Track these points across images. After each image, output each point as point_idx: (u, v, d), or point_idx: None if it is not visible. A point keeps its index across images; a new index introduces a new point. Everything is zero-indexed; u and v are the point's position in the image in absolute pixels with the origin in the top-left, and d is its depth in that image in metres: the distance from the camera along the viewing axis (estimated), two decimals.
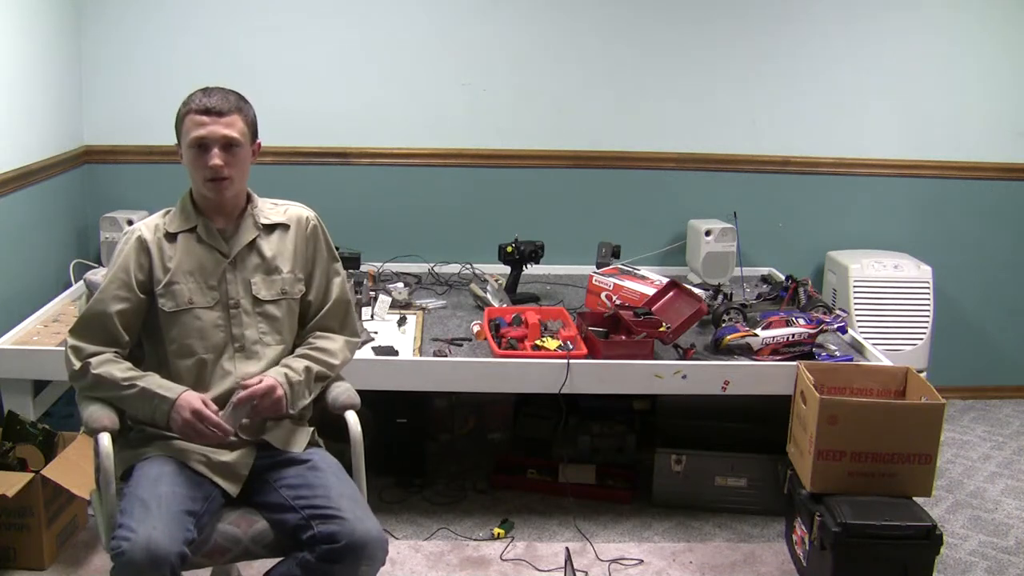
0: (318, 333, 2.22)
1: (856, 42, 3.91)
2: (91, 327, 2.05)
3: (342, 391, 2.19)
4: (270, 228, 2.18)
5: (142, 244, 2.09)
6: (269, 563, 2.07)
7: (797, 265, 3.97)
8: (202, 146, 2.04)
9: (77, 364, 2.01)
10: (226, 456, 2.06)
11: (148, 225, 2.12)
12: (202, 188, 2.09)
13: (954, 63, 3.95)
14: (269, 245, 2.16)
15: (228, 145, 2.05)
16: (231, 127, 2.06)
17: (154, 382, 2.02)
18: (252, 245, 2.15)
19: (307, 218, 2.23)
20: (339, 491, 2.01)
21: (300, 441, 2.14)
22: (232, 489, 2.05)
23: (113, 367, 2.02)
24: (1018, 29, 3.94)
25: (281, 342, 2.17)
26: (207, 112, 2.04)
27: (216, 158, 2.03)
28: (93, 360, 2.01)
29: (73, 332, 2.05)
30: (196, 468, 2.02)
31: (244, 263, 2.14)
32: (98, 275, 2.15)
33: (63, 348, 2.06)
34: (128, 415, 2.09)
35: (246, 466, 2.07)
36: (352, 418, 2.14)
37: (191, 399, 2.00)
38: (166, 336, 2.08)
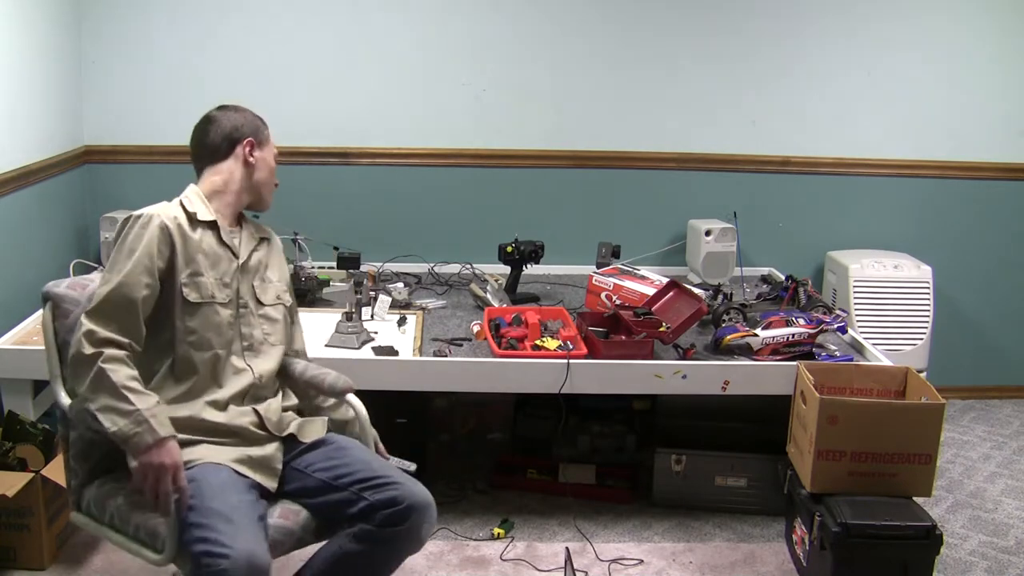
0: (312, 366, 2.33)
1: (856, 42, 3.91)
2: (114, 312, 1.94)
3: (334, 378, 2.27)
4: (261, 240, 2.28)
5: (165, 232, 2.03)
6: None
7: (797, 265, 3.97)
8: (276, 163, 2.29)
9: (89, 350, 1.89)
10: (259, 452, 2.08)
11: (165, 215, 2.05)
12: (270, 192, 2.28)
13: (954, 63, 3.96)
14: (263, 255, 2.26)
15: None
16: None
17: (154, 409, 1.89)
18: (254, 252, 2.23)
19: (277, 238, 2.36)
20: (377, 462, 2.11)
21: (320, 431, 2.22)
22: (272, 484, 2.07)
23: (122, 368, 1.90)
24: (1018, 29, 3.94)
25: (281, 342, 2.25)
26: None
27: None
28: (106, 351, 1.89)
29: (91, 315, 1.93)
30: (239, 470, 2.02)
31: (248, 267, 2.20)
32: (60, 286, 2.09)
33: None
34: (95, 427, 1.95)
35: (279, 460, 2.11)
36: (354, 399, 2.25)
37: (177, 450, 1.89)
38: (184, 326, 2.05)
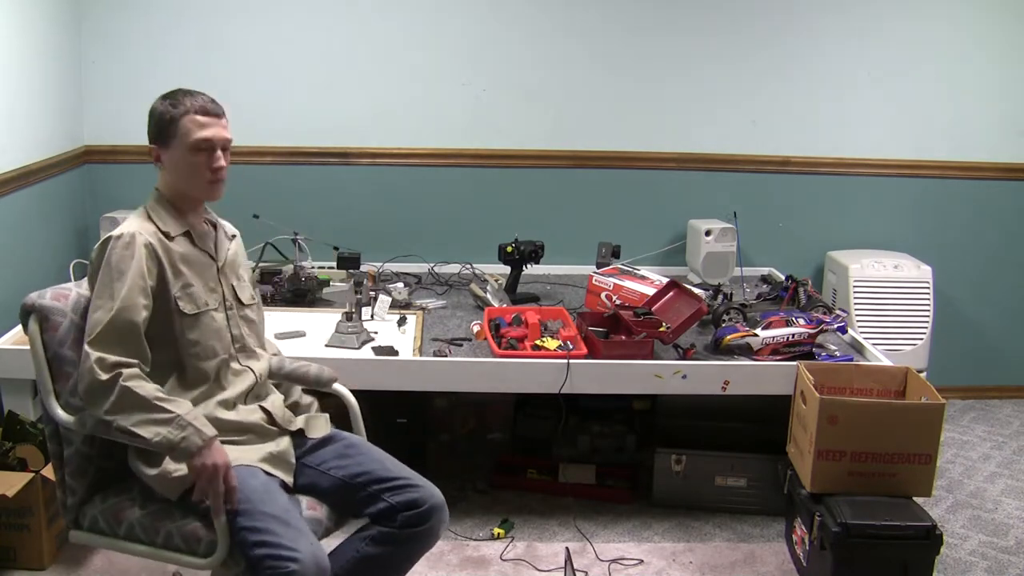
0: (287, 360, 2.32)
1: (856, 42, 3.91)
2: (119, 338, 1.90)
3: (318, 369, 2.28)
4: (232, 238, 2.24)
5: (151, 250, 1.98)
6: None
7: (797, 265, 3.97)
8: (206, 148, 2.02)
9: (104, 375, 1.85)
10: (276, 448, 2.09)
11: (145, 230, 2.00)
12: (203, 190, 2.06)
13: (954, 63, 3.96)
14: (232, 253, 2.20)
15: (225, 147, 2.07)
16: (227, 129, 2.08)
17: (194, 412, 1.90)
18: (228, 251, 2.19)
19: (239, 236, 2.28)
20: (390, 462, 2.11)
21: (325, 427, 2.23)
22: (291, 479, 2.08)
23: (146, 383, 1.89)
24: (1017, 30, 3.94)
25: (263, 339, 2.27)
26: (207, 113, 2.03)
27: (222, 159, 2.04)
28: (124, 371, 1.87)
29: (95, 344, 1.88)
30: (267, 469, 2.02)
31: (225, 268, 2.16)
32: (45, 297, 2.01)
33: None
34: (133, 446, 1.95)
35: (292, 454, 2.12)
36: (343, 390, 2.27)
37: (223, 449, 1.90)
38: (186, 340, 2.02)
